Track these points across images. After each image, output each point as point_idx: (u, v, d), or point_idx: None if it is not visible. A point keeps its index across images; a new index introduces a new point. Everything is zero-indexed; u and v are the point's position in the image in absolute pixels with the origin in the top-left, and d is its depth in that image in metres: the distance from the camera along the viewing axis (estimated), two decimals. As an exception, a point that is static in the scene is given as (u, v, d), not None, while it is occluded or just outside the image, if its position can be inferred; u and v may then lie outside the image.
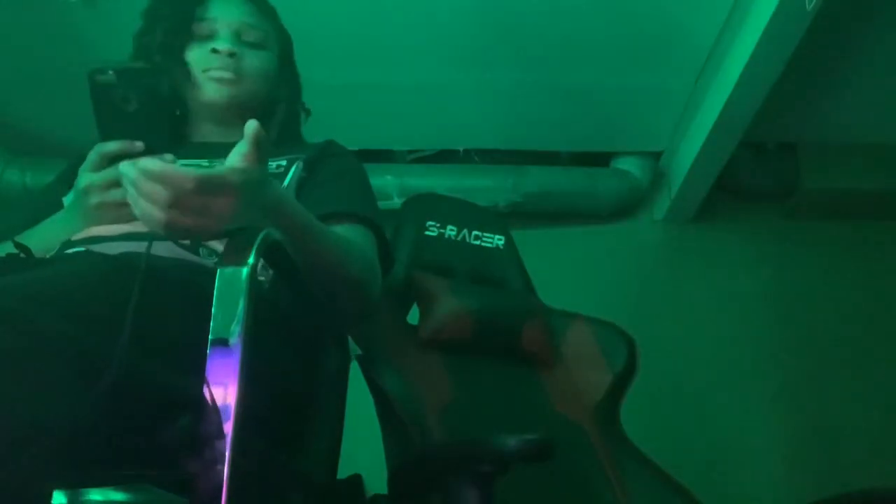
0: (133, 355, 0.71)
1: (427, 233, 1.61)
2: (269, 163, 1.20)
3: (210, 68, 1.24)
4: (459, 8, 1.97)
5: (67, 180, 1.23)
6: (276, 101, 1.33)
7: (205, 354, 0.74)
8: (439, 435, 1.31)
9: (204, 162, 1.18)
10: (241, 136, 1.27)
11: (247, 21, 1.27)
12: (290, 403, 1.01)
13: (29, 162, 2.36)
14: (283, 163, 1.21)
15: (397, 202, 2.44)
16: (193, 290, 0.80)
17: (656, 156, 2.53)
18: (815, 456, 2.29)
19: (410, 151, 2.54)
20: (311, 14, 1.94)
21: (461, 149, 2.54)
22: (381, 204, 2.04)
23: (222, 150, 1.22)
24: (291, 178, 1.18)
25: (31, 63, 2.06)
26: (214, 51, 1.24)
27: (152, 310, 0.75)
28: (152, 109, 0.95)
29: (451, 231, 1.64)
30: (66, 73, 2.12)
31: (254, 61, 1.27)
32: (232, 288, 0.74)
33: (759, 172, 2.57)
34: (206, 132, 1.29)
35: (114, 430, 0.75)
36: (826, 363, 2.40)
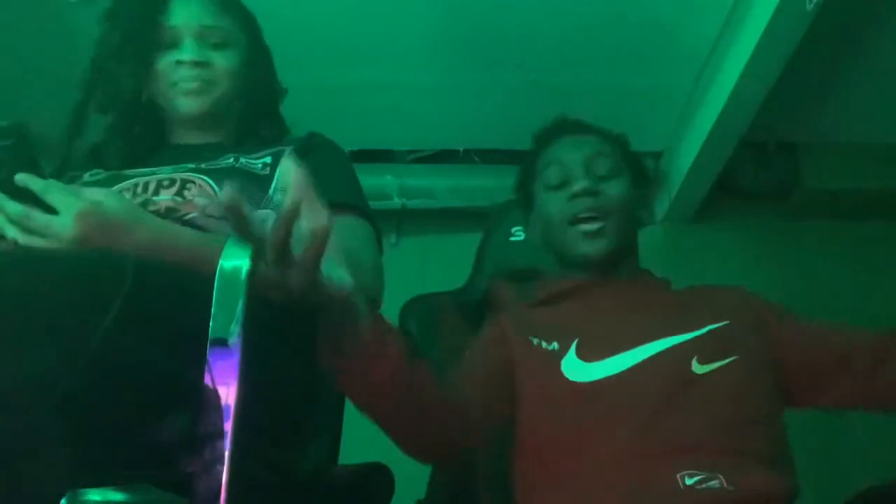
0: (132, 345, 0.71)
1: (512, 238, 1.58)
2: (255, 161, 1.20)
3: (177, 81, 1.24)
4: (459, 8, 1.97)
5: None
6: (250, 91, 1.30)
7: (204, 354, 0.74)
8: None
9: (190, 166, 1.18)
10: (219, 136, 1.28)
11: (208, 23, 1.25)
12: (289, 403, 1.01)
13: (29, 162, 2.36)
14: (269, 160, 1.20)
15: (397, 202, 2.44)
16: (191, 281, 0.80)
17: (656, 156, 2.52)
18: (815, 455, 2.29)
19: (410, 151, 2.54)
20: (311, 14, 1.93)
21: (461, 149, 2.53)
22: (381, 204, 2.05)
23: (200, 151, 1.22)
24: (277, 184, 1.17)
25: (28, 63, 2.06)
26: (179, 62, 1.23)
27: (149, 302, 0.75)
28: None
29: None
30: (64, 73, 2.12)
31: (220, 63, 1.25)
32: (231, 287, 0.74)
33: (759, 172, 2.56)
34: (184, 135, 1.29)
35: (114, 431, 0.75)
36: (826, 363, 2.39)
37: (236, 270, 0.74)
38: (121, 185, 1.17)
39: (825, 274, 2.51)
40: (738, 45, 1.97)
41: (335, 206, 1.13)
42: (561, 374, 1.08)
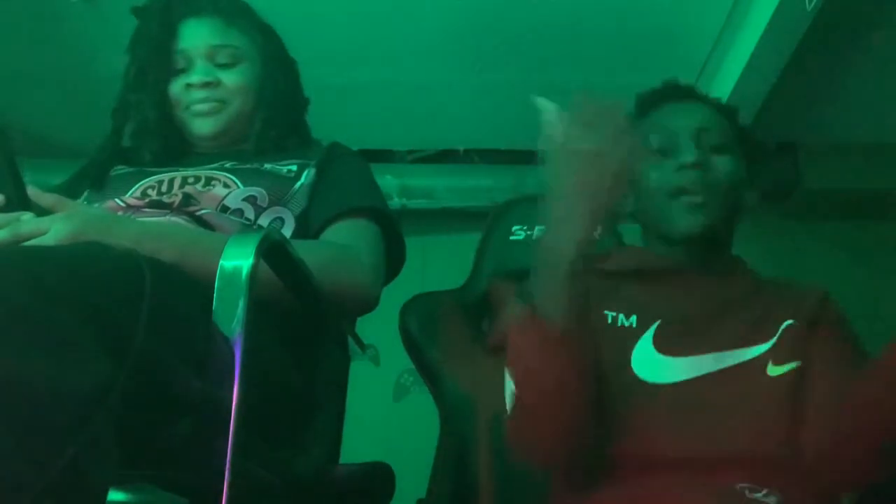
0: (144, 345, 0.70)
1: (512, 237, 1.56)
2: (280, 166, 1.21)
3: (190, 104, 1.24)
4: (459, 8, 1.97)
5: (83, 181, 1.25)
6: (269, 105, 1.30)
7: (202, 352, 0.74)
8: (485, 440, 1.31)
9: (206, 169, 1.19)
10: (242, 143, 1.29)
11: (216, 43, 1.25)
12: (289, 404, 1.01)
13: (30, 163, 2.35)
14: (294, 168, 1.22)
15: (397, 202, 2.45)
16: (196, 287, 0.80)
17: (657, 155, 2.52)
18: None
19: (410, 151, 2.54)
20: (311, 14, 1.94)
21: (461, 149, 2.54)
22: (381, 204, 2.00)
23: (225, 157, 1.23)
24: (303, 184, 1.19)
25: (31, 63, 2.06)
26: (189, 85, 1.24)
27: (167, 299, 0.74)
28: None
29: (539, 231, 1.59)
30: (67, 73, 2.12)
31: (232, 81, 1.25)
32: (232, 287, 0.74)
33: (760, 172, 2.56)
34: (207, 148, 1.29)
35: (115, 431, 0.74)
36: (826, 363, 2.39)
37: (237, 270, 0.74)
38: (145, 180, 1.19)
39: (825, 274, 2.50)
40: (738, 45, 1.97)
41: (348, 211, 1.17)
42: (630, 369, 1.01)
